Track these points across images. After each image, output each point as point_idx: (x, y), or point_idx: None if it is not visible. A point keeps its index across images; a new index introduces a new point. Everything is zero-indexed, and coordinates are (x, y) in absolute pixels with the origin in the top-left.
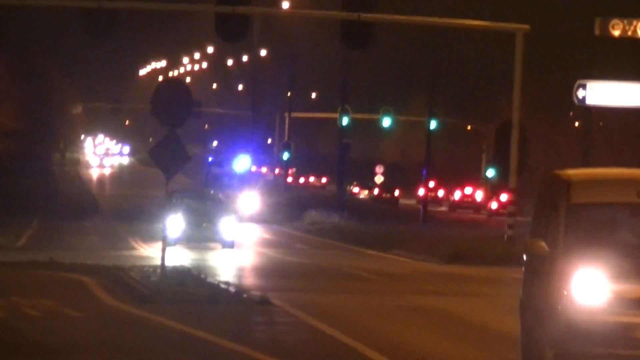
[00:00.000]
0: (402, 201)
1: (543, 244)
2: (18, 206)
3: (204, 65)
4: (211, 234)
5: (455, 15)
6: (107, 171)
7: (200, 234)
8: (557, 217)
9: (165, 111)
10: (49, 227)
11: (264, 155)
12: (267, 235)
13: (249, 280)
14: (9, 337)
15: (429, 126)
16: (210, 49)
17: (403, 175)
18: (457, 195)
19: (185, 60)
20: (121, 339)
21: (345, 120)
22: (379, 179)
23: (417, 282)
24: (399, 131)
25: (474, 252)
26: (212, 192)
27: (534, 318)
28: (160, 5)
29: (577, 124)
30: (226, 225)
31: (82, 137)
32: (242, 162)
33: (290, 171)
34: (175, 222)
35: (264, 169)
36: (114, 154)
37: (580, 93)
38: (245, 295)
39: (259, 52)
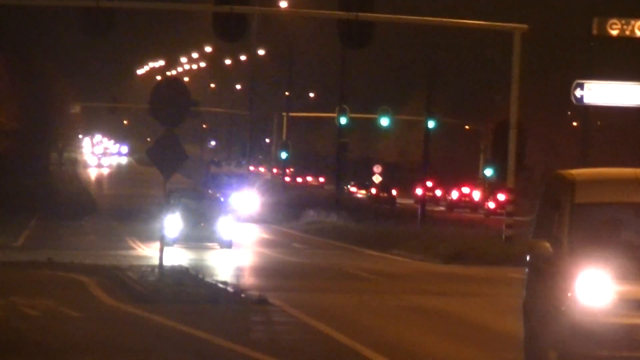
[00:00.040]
0: (400, 201)
1: (547, 244)
2: (16, 206)
3: (202, 64)
4: (209, 233)
5: (453, 15)
6: (105, 171)
7: (198, 234)
8: (561, 217)
9: (164, 111)
10: (47, 226)
11: (262, 154)
12: (265, 235)
13: (247, 280)
14: (8, 337)
15: (427, 126)
16: (208, 49)
17: (401, 175)
18: (454, 194)
19: (184, 59)
20: (119, 339)
21: (343, 120)
22: (377, 178)
23: (416, 282)
24: (397, 131)
25: (473, 252)
26: (210, 191)
27: (537, 319)
28: (159, 4)
29: (575, 123)
30: (224, 225)
31: (81, 136)
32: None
33: (287, 171)
34: (173, 222)
35: (261, 169)
36: (112, 154)
37: (578, 92)
38: (243, 295)
39: (257, 52)
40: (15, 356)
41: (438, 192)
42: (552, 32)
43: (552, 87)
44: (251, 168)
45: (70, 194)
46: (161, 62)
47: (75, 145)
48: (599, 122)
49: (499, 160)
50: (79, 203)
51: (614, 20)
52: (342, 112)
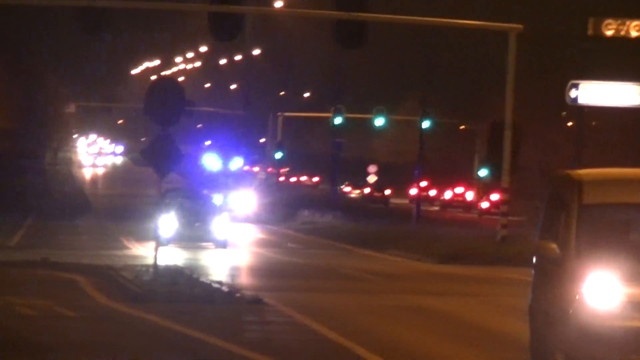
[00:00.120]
0: (394, 200)
1: (554, 245)
2: (11, 205)
3: (197, 64)
4: (204, 233)
5: (449, 15)
6: (100, 171)
7: (193, 234)
8: (568, 218)
9: (159, 110)
10: (42, 226)
11: (256, 154)
12: (260, 235)
13: (242, 280)
14: (3, 337)
15: (421, 126)
16: (203, 48)
17: (396, 175)
18: (447, 194)
19: (179, 59)
20: (114, 338)
21: (338, 120)
22: (372, 178)
23: (412, 282)
24: (392, 131)
25: (469, 252)
26: (205, 191)
27: (544, 322)
28: (154, 4)
29: (570, 123)
30: (219, 225)
31: (75, 136)
32: (236, 163)
33: (282, 170)
34: (168, 222)
35: (256, 168)
36: (107, 154)
37: (573, 93)
38: (238, 295)
39: (252, 52)
40: (10, 356)
41: (432, 192)
42: (548, 33)
43: (547, 87)
44: (245, 168)
45: (65, 194)
46: (156, 62)
47: (70, 145)
48: (593, 123)
49: (493, 160)
50: (73, 203)
51: (609, 21)
52: (337, 112)
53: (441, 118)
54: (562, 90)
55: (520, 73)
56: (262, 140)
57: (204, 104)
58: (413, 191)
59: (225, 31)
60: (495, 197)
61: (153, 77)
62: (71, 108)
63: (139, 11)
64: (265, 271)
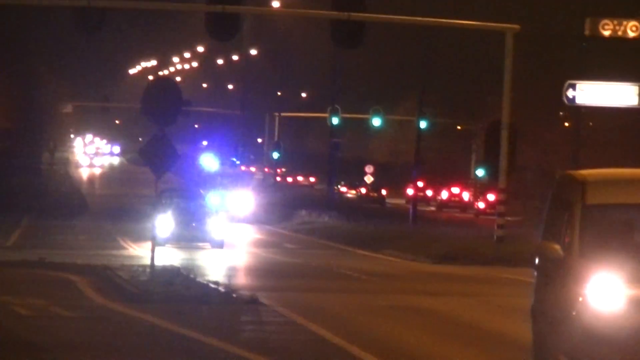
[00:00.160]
0: (391, 200)
1: (557, 246)
2: (8, 205)
3: (194, 64)
4: (201, 233)
5: (446, 15)
6: (97, 171)
7: (190, 234)
8: (571, 218)
9: (156, 110)
10: (38, 226)
11: (253, 154)
12: (257, 235)
13: (239, 280)
14: (0, 336)
15: (418, 126)
16: (200, 48)
17: (392, 175)
18: (444, 194)
19: (176, 59)
20: (111, 339)
21: (335, 120)
22: (368, 179)
23: (408, 282)
24: (389, 131)
25: (465, 252)
26: (201, 191)
27: (547, 324)
28: (151, 4)
29: (567, 124)
30: (216, 225)
31: (72, 136)
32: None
33: (279, 171)
34: (164, 222)
35: (252, 169)
36: (104, 154)
37: (570, 93)
38: (234, 295)
39: (249, 52)
40: (6, 356)
41: (429, 192)
42: (545, 33)
43: (544, 87)
44: (242, 168)
45: (62, 194)
46: (153, 62)
47: (67, 145)
48: (590, 123)
49: (490, 161)
50: (70, 203)
51: (606, 21)
52: (334, 112)
53: (438, 118)
54: (560, 91)
55: (518, 73)
56: (260, 140)
57: (201, 104)
58: (410, 191)
59: (223, 31)
60: (491, 197)
61: (150, 77)
62: (68, 108)
63: (136, 11)
64: (261, 271)
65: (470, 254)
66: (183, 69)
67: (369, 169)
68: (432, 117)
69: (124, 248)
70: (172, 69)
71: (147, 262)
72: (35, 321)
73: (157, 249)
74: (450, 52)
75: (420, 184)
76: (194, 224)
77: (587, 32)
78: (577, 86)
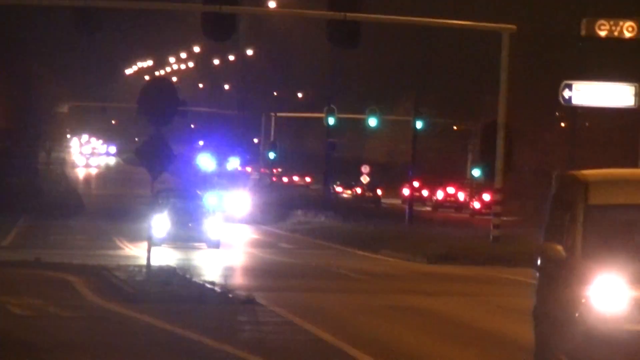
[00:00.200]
0: (387, 200)
1: (559, 247)
2: (4, 205)
3: (191, 64)
4: (197, 233)
5: (442, 15)
6: (93, 171)
7: (186, 234)
8: (573, 219)
9: (152, 110)
10: (35, 226)
11: (249, 154)
12: (253, 235)
13: (235, 280)
14: None
15: (415, 126)
16: (197, 49)
17: (389, 175)
18: (439, 194)
19: (172, 59)
20: (107, 339)
21: (331, 120)
22: (365, 179)
23: (404, 282)
24: (385, 131)
25: (461, 252)
26: (198, 191)
27: (549, 326)
28: (147, 4)
29: (563, 124)
30: (212, 225)
31: (69, 136)
32: (232, 163)
33: (274, 170)
34: (161, 222)
35: (248, 169)
36: (100, 154)
37: (567, 93)
38: (231, 295)
39: (246, 52)
40: (3, 355)
41: (425, 192)
42: (541, 33)
43: (541, 87)
44: (238, 168)
45: (58, 194)
46: (150, 62)
47: (63, 145)
48: (587, 123)
49: (487, 161)
50: (67, 203)
51: (603, 21)
52: (331, 113)
53: (435, 118)
54: (556, 91)
55: (514, 73)
56: (256, 140)
57: (197, 104)
58: (406, 191)
59: (219, 31)
60: (487, 197)
61: (147, 78)
62: (64, 108)
63: (133, 11)
64: (258, 271)
65: (467, 254)
66: (179, 69)
67: (365, 169)
68: (428, 117)
69: (120, 248)
70: (168, 69)
71: (144, 262)
72: (31, 321)
73: (153, 249)
74: (447, 52)
75: (416, 184)
76: (190, 224)
77: (583, 33)
78: (574, 86)
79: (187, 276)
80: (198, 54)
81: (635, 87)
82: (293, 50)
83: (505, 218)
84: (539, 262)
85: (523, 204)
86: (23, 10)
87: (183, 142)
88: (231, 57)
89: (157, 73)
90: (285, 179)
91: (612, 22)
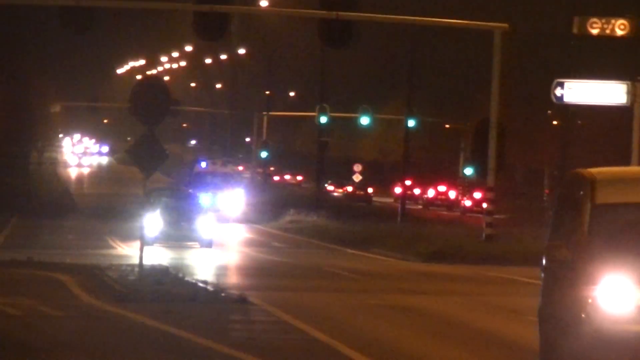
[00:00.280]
0: (378, 199)
1: (565, 247)
2: None
3: (183, 63)
4: (189, 233)
5: (434, 14)
6: (85, 170)
7: (179, 233)
8: (580, 218)
9: (144, 110)
10: (27, 225)
11: (242, 154)
12: (245, 234)
13: (228, 279)
14: None
15: (407, 125)
16: (189, 48)
17: (381, 173)
18: (430, 193)
19: (164, 58)
20: (100, 338)
21: (323, 119)
22: (357, 177)
23: (396, 281)
24: (377, 130)
25: (453, 251)
26: (190, 190)
27: (555, 328)
28: (139, 3)
29: (555, 122)
30: (204, 224)
31: (61, 136)
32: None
33: (263, 169)
34: (153, 221)
35: (240, 168)
36: (92, 153)
37: (559, 91)
38: (223, 294)
39: (238, 51)
40: None
41: (417, 191)
42: (533, 31)
43: (533, 86)
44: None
45: (50, 193)
46: (142, 61)
47: (55, 144)
48: (579, 121)
49: (479, 159)
50: (59, 202)
51: (594, 19)
52: (323, 111)
53: (427, 117)
54: (548, 89)
55: (506, 72)
56: (248, 139)
57: (189, 104)
58: (398, 190)
59: (211, 30)
60: (478, 195)
61: (139, 77)
62: (56, 108)
63: (124, 10)
64: (250, 270)
65: (459, 252)
66: (171, 69)
67: (357, 167)
68: (420, 116)
69: (112, 247)
70: (160, 69)
71: (136, 261)
72: (23, 321)
73: (145, 248)
74: (439, 51)
75: (408, 182)
76: (182, 224)
77: (575, 31)
78: (566, 84)
79: (180, 275)
80: (190, 53)
81: (628, 84)
82: (285, 49)
83: (496, 216)
84: (544, 262)
85: (514, 202)
86: (15, 10)
87: (175, 142)
88: (223, 57)
89: (149, 72)
90: (276, 178)
91: (604, 20)
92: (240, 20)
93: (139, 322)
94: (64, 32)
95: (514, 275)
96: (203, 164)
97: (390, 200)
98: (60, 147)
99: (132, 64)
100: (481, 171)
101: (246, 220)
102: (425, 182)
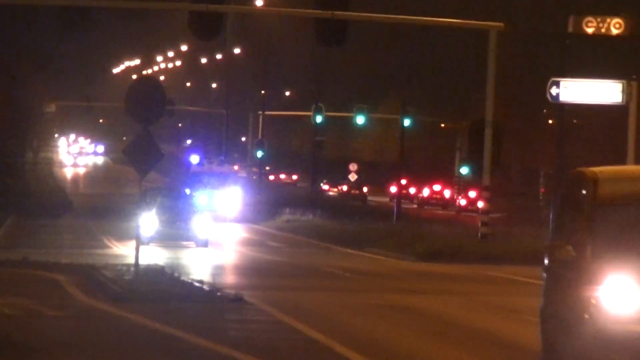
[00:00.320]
0: (374, 198)
1: (568, 247)
2: None
3: (178, 63)
4: (185, 232)
5: (430, 14)
6: (81, 170)
7: (174, 233)
8: (582, 218)
9: (139, 109)
10: (22, 225)
11: (237, 153)
12: (241, 234)
13: (223, 279)
14: None
15: (402, 124)
16: (184, 47)
17: (376, 173)
18: (425, 192)
19: (159, 58)
20: (96, 338)
21: (319, 118)
22: (352, 177)
23: (392, 280)
24: (373, 129)
25: (449, 250)
26: (186, 190)
27: (557, 328)
28: (134, 2)
29: (550, 121)
30: (200, 224)
31: (56, 136)
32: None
33: (259, 169)
34: (149, 221)
35: (235, 167)
36: (88, 153)
37: (554, 90)
38: (219, 294)
39: (233, 51)
40: None
41: (412, 190)
42: (528, 31)
43: (528, 85)
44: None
45: (46, 193)
46: (137, 61)
47: (51, 144)
48: (575, 120)
49: (474, 158)
50: (54, 202)
51: (590, 18)
52: (318, 111)
53: (422, 116)
54: (543, 88)
55: (502, 71)
56: (244, 138)
57: (185, 103)
58: (393, 189)
59: (206, 30)
60: (473, 194)
61: (134, 77)
62: (52, 107)
63: (120, 10)
64: (246, 270)
65: (455, 251)
66: (167, 68)
67: (353, 167)
68: (415, 115)
69: (108, 247)
70: (155, 68)
71: (132, 261)
72: (19, 320)
73: (141, 248)
74: (434, 50)
75: (403, 181)
76: (178, 223)
77: (570, 30)
78: (561, 83)
79: (176, 275)
80: (185, 52)
81: (623, 83)
82: (280, 48)
83: (492, 215)
84: (546, 261)
85: (510, 201)
86: (10, 9)
87: (171, 141)
88: (218, 56)
89: (144, 72)
90: (271, 177)
91: (599, 19)
92: (235, 20)
93: (135, 321)
94: (60, 31)
95: (511, 275)
96: (195, 159)
97: (385, 199)
98: (55, 147)
99: (127, 63)
100: (477, 170)
101: (242, 219)
102: (420, 181)
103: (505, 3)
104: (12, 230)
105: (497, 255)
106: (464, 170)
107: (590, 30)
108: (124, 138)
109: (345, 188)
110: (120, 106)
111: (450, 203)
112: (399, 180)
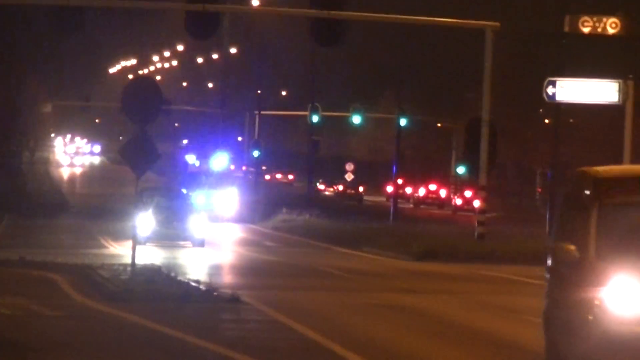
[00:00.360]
0: (370, 198)
1: (572, 248)
2: None
3: (174, 63)
4: (181, 232)
5: (425, 13)
6: (77, 170)
7: (171, 233)
8: (587, 218)
9: (136, 109)
10: (18, 225)
11: (233, 153)
12: (238, 234)
13: (220, 279)
14: None
15: (398, 123)
16: (180, 47)
17: (373, 173)
18: (421, 191)
19: (156, 58)
20: (92, 337)
21: (315, 118)
22: (349, 176)
23: (388, 280)
24: (369, 128)
25: (445, 249)
26: (183, 190)
27: (560, 330)
28: (130, 2)
29: (547, 120)
30: (196, 224)
31: (53, 135)
32: (220, 160)
33: (255, 168)
34: (145, 221)
35: (232, 167)
36: (84, 153)
37: (550, 90)
38: (215, 294)
39: (229, 50)
40: None
41: (408, 190)
42: (525, 30)
43: (524, 84)
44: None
45: (43, 193)
46: (133, 61)
47: (47, 144)
48: (571, 120)
49: (471, 158)
50: (51, 202)
51: (586, 18)
52: (314, 110)
53: (419, 116)
54: (540, 88)
55: (498, 70)
56: (240, 138)
57: (181, 103)
58: (389, 188)
59: (202, 29)
60: (469, 193)
61: (130, 76)
62: (48, 107)
63: (115, 10)
64: (242, 269)
65: (451, 250)
66: (163, 68)
67: (349, 166)
68: (412, 115)
69: (104, 247)
70: (152, 68)
71: (128, 260)
72: (16, 320)
73: (138, 247)
74: (430, 49)
75: (400, 181)
76: (174, 223)
77: (566, 29)
78: (557, 83)
79: (172, 275)
80: (182, 52)
81: (619, 83)
82: (276, 48)
83: (488, 214)
84: (549, 262)
85: (506, 200)
86: (5, 9)
87: (167, 141)
88: (215, 56)
89: (140, 72)
90: (267, 177)
91: (595, 19)
92: (231, 20)
93: (131, 321)
94: (55, 31)
95: (508, 274)
96: (191, 159)
97: (381, 199)
98: (52, 146)
99: (123, 63)
100: (473, 170)
101: (238, 219)
102: (416, 181)
103: (501, 3)
104: (8, 230)
105: (493, 254)
106: (461, 169)
107: (586, 30)
108: (121, 138)
109: (341, 187)
110: (116, 106)
111: (446, 202)
112: (395, 180)
